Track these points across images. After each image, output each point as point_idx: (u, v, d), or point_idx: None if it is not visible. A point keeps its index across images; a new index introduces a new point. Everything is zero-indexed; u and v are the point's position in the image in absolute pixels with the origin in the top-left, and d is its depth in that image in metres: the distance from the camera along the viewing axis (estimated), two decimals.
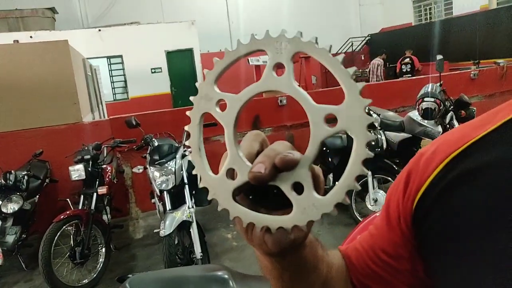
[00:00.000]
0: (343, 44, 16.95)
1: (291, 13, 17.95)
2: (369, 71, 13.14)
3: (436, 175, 0.51)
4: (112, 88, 12.51)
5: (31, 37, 11.19)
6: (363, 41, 17.28)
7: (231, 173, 0.42)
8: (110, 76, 12.42)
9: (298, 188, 0.40)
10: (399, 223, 0.55)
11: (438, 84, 4.09)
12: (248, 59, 10.08)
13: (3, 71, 4.52)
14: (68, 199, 3.97)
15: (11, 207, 3.43)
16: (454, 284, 0.47)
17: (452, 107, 3.96)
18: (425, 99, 3.76)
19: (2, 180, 3.46)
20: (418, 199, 0.52)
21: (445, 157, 0.51)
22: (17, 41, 11.21)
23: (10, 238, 3.63)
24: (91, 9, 15.65)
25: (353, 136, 0.38)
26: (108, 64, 12.37)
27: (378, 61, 12.58)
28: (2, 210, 3.40)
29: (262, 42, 0.41)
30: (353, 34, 17.64)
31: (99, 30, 12.00)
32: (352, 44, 17.10)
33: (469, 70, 7.15)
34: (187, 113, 0.44)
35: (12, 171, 3.55)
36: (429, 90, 3.82)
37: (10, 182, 3.47)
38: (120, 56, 12.32)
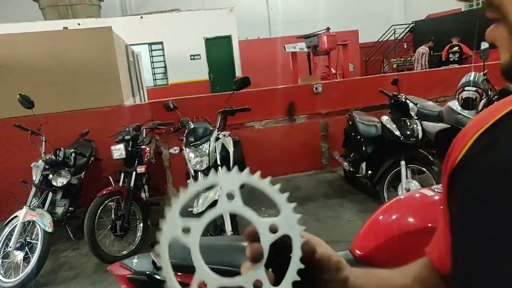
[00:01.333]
0: (385, 32, 16.51)
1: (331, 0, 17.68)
2: (414, 59, 12.75)
3: (470, 146, 0.54)
4: (152, 74, 12.87)
5: (79, 24, 11.66)
6: (406, 28, 16.72)
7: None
8: (151, 62, 12.77)
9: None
10: None
11: (482, 73, 3.97)
12: (284, 46, 10.07)
13: (52, 56, 4.82)
14: (110, 177, 4.21)
15: (60, 181, 3.70)
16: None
17: (496, 97, 3.84)
18: (466, 88, 3.68)
19: (53, 156, 3.74)
20: (453, 168, 0.57)
21: (481, 127, 0.54)
22: (67, 28, 11.76)
23: (59, 210, 3.92)
24: None
25: (292, 239, 0.49)
26: (149, 51, 12.71)
27: (423, 49, 12.17)
28: (52, 183, 3.68)
29: (217, 178, 0.49)
30: (396, 22, 17.12)
31: (141, 17, 12.34)
32: (395, 31, 16.60)
33: None
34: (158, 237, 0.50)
35: (62, 148, 3.83)
36: (471, 79, 3.73)
37: (60, 158, 3.74)
38: (161, 43, 12.63)
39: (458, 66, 8.54)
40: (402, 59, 14.88)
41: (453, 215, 0.56)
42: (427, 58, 11.78)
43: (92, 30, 5.03)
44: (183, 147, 3.44)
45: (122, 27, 9.72)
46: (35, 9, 13.33)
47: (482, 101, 3.60)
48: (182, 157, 3.95)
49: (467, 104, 3.60)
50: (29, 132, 3.73)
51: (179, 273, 1.20)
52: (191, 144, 3.35)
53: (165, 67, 12.92)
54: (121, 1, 16.02)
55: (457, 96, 3.73)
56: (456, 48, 10.89)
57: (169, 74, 12.93)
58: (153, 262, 1.36)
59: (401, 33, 16.76)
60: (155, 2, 15.74)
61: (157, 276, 1.33)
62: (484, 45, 3.77)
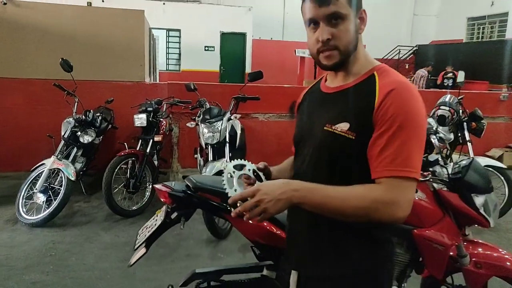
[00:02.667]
0: (391, 51, 17.15)
1: None
2: (413, 80, 13.42)
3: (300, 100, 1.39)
4: (166, 59, 13.41)
5: (103, 1, 12.19)
6: (410, 50, 17.39)
7: None
8: (166, 48, 13.32)
9: None
10: None
11: (459, 97, 4.56)
12: (295, 50, 10.68)
13: (85, 29, 5.37)
14: (125, 143, 4.77)
15: (86, 138, 4.26)
16: None
17: (466, 118, 4.44)
18: (441, 107, 4.28)
19: (83, 116, 4.29)
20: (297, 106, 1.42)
21: (305, 90, 1.43)
22: (90, 3, 12.29)
23: (78, 166, 4.47)
24: None
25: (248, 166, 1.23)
26: (167, 36, 13.25)
27: (423, 72, 12.85)
28: (80, 139, 4.23)
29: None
30: (402, 42, 17.78)
31: (163, 3, 12.87)
32: (400, 52, 17.26)
33: (499, 92, 7.44)
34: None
35: (91, 110, 4.38)
36: (446, 100, 4.33)
37: (89, 119, 4.30)
38: (179, 30, 13.18)
39: (440, 90, 9.13)
40: None
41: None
42: (425, 81, 12.43)
43: (127, 11, 5.57)
44: (199, 123, 4.01)
45: (145, 9, 10.25)
46: None
47: (454, 120, 4.21)
48: (194, 134, 4.54)
49: (441, 120, 4.19)
50: (66, 92, 4.28)
51: (208, 194, 1.78)
52: (206, 121, 3.92)
53: (179, 53, 13.47)
54: None
55: (434, 113, 4.33)
56: (450, 75, 11.61)
57: (182, 61, 13.48)
58: (187, 186, 1.92)
59: (405, 54, 17.41)
60: None
61: (189, 193, 1.89)
62: (461, 73, 4.36)
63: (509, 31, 14.74)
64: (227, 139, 3.91)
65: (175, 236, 3.77)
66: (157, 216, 2.01)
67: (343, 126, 1.12)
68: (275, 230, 1.89)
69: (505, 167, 4.62)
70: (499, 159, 6.69)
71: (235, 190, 1.15)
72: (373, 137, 1.08)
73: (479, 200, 2.07)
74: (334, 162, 1.15)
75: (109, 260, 3.29)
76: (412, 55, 17.53)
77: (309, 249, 1.25)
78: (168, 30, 13.10)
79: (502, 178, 4.47)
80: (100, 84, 5.30)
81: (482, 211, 2.08)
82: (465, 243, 2.26)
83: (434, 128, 3.95)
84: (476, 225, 2.16)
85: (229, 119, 3.98)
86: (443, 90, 9.65)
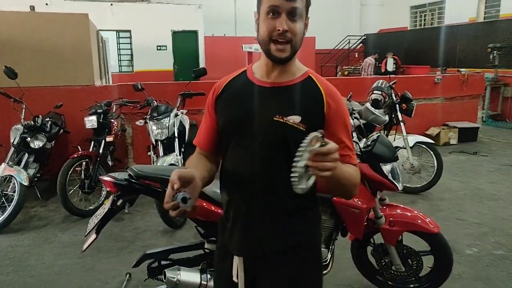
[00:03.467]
0: (341, 41, 17.77)
1: None
2: (361, 68, 14.06)
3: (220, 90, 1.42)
4: (118, 61, 13.31)
5: (46, 4, 11.93)
6: (359, 39, 18.09)
7: None
8: (118, 49, 13.22)
9: None
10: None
11: (392, 82, 4.98)
12: (242, 46, 10.95)
13: (30, 35, 5.37)
14: (78, 146, 4.86)
15: (37, 143, 4.34)
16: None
17: (398, 100, 4.86)
18: (374, 91, 4.67)
19: (32, 122, 4.37)
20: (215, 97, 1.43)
21: (223, 83, 1.43)
22: (33, 7, 12.03)
23: (30, 172, 4.50)
24: None
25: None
26: (117, 38, 13.16)
27: (370, 60, 13.49)
28: (30, 145, 4.31)
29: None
30: (352, 32, 18.44)
31: (111, 4, 12.76)
32: (349, 41, 17.91)
33: (433, 75, 8.04)
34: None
35: (40, 115, 4.46)
36: (379, 85, 4.73)
37: (38, 124, 4.37)
38: (129, 31, 13.12)
39: (381, 76, 9.70)
40: (352, 67, 16.18)
41: None
42: (373, 68, 13.07)
43: (71, 15, 5.63)
44: (147, 121, 4.19)
45: (91, 12, 10.17)
46: None
47: (386, 102, 4.62)
48: (145, 133, 4.71)
49: (375, 104, 4.59)
50: (12, 99, 4.34)
51: (148, 181, 2.01)
52: (154, 118, 4.12)
53: (131, 54, 13.41)
54: None
55: (368, 97, 4.72)
56: (393, 61, 12.29)
57: (135, 61, 13.44)
58: (129, 175, 2.14)
59: (354, 43, 18.09)
60: None
61: (132, 180, 2.11)
62: (390, 62, 4.76)
63: (447, 18, 15.65)
64: (176, 134, 4.12)
65: (132, 230, 3.96)
66: (105, 205, 2.21)
67: (295, 119, 1.28)
68: (213, 208, 2.14)
69: (433, 142, 5.10)
70: (437, 136, 7.28)
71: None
72: (330, 132, 1.26)
73: (386, 168, 2.42)
74: (285, 148, 1.28)
75: (68, 257, 3.44)
76: (361, 44, 18.24)
77: (262, 228, 1.36)
78: (118, 31, 13.03)
79: (432, 152, 4.94)
80: (48, 90, 5.33)
81: (390, 177, 2.43)
82: (383, 207, 2.62)
83: (350, 109, 4.31)
84: (386, 190, 2.51)
85: (176, 115, 4.19)
86: (385, 76, 10.25)
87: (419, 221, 2.57)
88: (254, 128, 1.33)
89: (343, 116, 1.33)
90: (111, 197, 2.22)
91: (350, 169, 1.28)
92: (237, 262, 1.40)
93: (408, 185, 4.81)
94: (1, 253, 3.51)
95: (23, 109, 4.42)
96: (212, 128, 1.45)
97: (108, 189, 2.16)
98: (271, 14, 1.24)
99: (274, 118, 1.29)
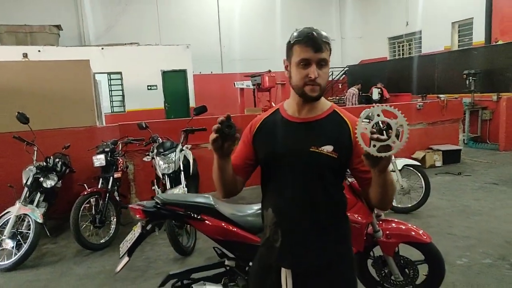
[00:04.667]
0: None
1: (279, 41, 19.51)
2: (346, 98, 14.64)
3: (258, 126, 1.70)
4: (110, 101, 13.66)
5: (39, 51, 12.35)
6: (341, 71, 18.88)
7: None
8: (109, 90, 13.60)
9: None
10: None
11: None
12: (234, 83, 11.46)
13: (35, 83, 5.70)
14: (85, 184, 5.09)
15: (49, 183, 4.58)
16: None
17: (385, 127, 5.23)
18: (363, 119, 5.04)
19: (44, 163, 4.61)
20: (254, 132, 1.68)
21: (259, 120, 1.71)
22: (26, 54, 12.44)
23: (40, 210, 4.72)
24: (92, 28, 16.91)
25: None
26: (108, 79, 13.56)
27: (353, 90, 14.10)
28: (43, 184, 4.54)
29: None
30: (334, 64, 19.23)
31: (102, 48, 13.24)
32: (332, 73, 18.66)
33: (415, 102, 8.54)
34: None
35: (51, 156, 4.71)
36: (366, 114, 5.12)
37: (50, 165, 4.62)
38: (120, 73, 13.55)
39: (366, 105, 10.20)
40: (337, 97, 16.82)
41: None
42: (357, 98, 13.64)
43: (74, 62, 5.98)
44: (154, 156, 4.48)
45: (83, 56, 10.57)
46: None
47: None
48: (152, 166, 4.98)
49: None
50: (25, 142, 4.60)
51: (173, 206, 2.30)
52: (161, 154, 4.41)
53: (123, 95, 13.79)
54: (79, 31, 16.77)
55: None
56: (378, 90, 12.92)
57: (127, 102, 13.80)
58: (156, 202, 2.41)
59: (337, 75, 18.86)
60: (114, 34, 16.68)
61: (159, 207, 2.38)
62: (375, 92, 5.18)
63: (423, 47, 16.54)
64: (181, 168, 4.41)
65: (144, 260, 4.16)
66: (134, 231, 2.48)
67: (328, 148, 1.52)
68: (230, 227, 2.42)
69: (420, 164, 5.47)
70: (423, 159, 7.67)
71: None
72: (357, 154, 1.53)
73: None
74: (321, 174, 1.53)
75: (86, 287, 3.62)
76: (344, 75, 19.01)
77: (307, 243, 1.58)
78: (110, 73, 13.45)
79: (419, 174, 5.29)
80: (54, 132, 5.59)
81: None
82: (380, 222, 2.92)
83: None
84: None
85: (181, 150, 4.49)
86: (372, 105, 10.77)
87: (413, 233, 2.87)
88: (293, 159, 1.56)
89: None
90: (139, 223, 2.49)
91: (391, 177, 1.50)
92: (285, 274, 1.60)
93: (399, 205, 5.12)
94: None
95: (35, 151, 4.67)
96: (246, 158, 1.69)
97: (137, 216, 2.42)
98: (302, 64, 1.51)
99: (310, 149, 1.53)
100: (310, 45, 1.48)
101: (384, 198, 1.52)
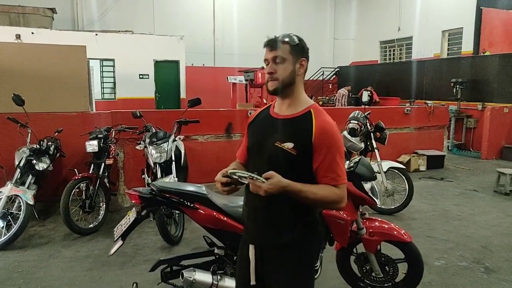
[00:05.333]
0: (315, 72, 18.66)
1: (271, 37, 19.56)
2: (336, 98, 14.81)
3: (252, 118, 1.97)
4: (101, 88, 13.58)
5: (32, 33, 12.19)
6: (332, 71, 19.06)
7: None
8: (101, 77, 13.51)
9: None
10: None
11: (366, 113, 5.52)
12: (227, 77, 11.52)
13: (29, 65, 5.72)
14: (75, 169, 5.12)
15: (42, 166, 4.61)
16: None
17: (372, 129, 5.39)
18: (351, 121, 5.20)
19: (37, 145, 4.64)
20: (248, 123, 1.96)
21: (255, 113, 2.08)
22: (19, 35, 12.30)
23: (31, 192, 4.75)
24: (86, 13, 16.77)
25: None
26: (101, 66, 13.46)
27: (343, 91, 14.26)
28: (35, 167, 4.57)
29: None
30: (326, 64, 19.42)
31: (96, 34, 13.13)
32: (323, 73, 18.83)
33: (403, 107, 8.73)
34: None
35: (44, 139, 4.74)
36: (355, 115, 5.27)
37: (43, 147, 4.65)
38: (112, 60, 13.46)
39: (357, 107, 10.37)
40: (327, 97, 16.99)
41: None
42: (346, 99, 13.82)
43: (70, 47, 6.00)
44: (147, 145, 4.55)
45: (76, 41, 10.50)
46: None
47: (362, 131, 5.14)
48: (143, 154, 5.05)
49: (352, 132, 5.10)
50: (19, 124, 4.62)
51: (168, 194, 2.39)
52: (154, 143, 4.48)
53: (114, 82, 13.71)
54: (73, 16, 16.61)
55: (346, 126, 5.23)
56: (368, 93, 13.08)
57: (118, 89, 13.74)
58: (151, 189, 2.50)
59: (328, 75, 19.04)
60: (107, 20, 16.58)
61: (155, 194, 2.47)
62: (365, 95, 5.34)
63: (414, 53, 16.82)
64: (173, 158, 4.49)
65: (132, 246, 4.24)
66: (129, 215, 2.56)
67: (289, 145, 1.69)
68: (221, 217, 2.52)
69: (405, 167, 5.64)
70: (408, 163, 7.87)
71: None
72: (317, 157, 1.69)
73: (367, 186, 2.88)
74: (281, 166, 1.68)
75: (75, 270, 3.69)
76: (334, 75, 19.20)
77: (264, 226, 1.81)
78: (102, 60, 13.35)
79: (403, 177, 5.46)
80: (48, 116, 5.59)
81: (370, 193, 2.88)
82: (364, 220, 3.05)
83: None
84: (366, 205, 2.96)
85: (174, 140, 4.57)
86: (360, 107, 10.94)
87: (395, 232, 3.02)
88: (262, 151, 1.79)
89: (330, 145, 1.68)
90: (133, 208, 2.57)
91: (321, 189, 1.68)
92: (251, 249, 1.86)
93: (382, 206, 5.29)
94: (9, 267, 3.73)
95: (29, 134, 4.69)
96: (246, 147, 1.96)
97: (133, 201, 2.51)
98: (266, 64, 1.79)
99: (275, 144, 1.73)
100: (268, 46, 1.76)
101: (321, 206, 1.85)
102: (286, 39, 1.74)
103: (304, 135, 1.70)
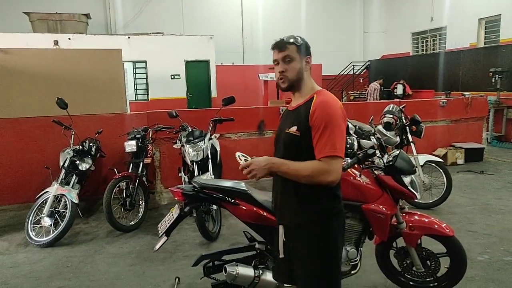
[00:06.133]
0: (345, 67, 18.44)
1: (303, 34, 19.49)
2: (367, 93, 14.60)
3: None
4: (135, 89, 13.93)
5: (69, 39, 12.68)
6: (363, 65, 18.76)
7: None
8: (134, 79, 13.87)
9: None
10: None
11: (401, 106, 5.43)
12: (258, 75, 11.56)
13: (69, 70, 5.93)
14: (115, 169, 5.30)
15: (84, 166, 4.81)
16: None
17: (408, 123, 5.30)
18: (386, 115, 5.13)
19: (80, 146, 4.84)
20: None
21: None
22: (57, 41, 12.78)
23: (75, 192, 4.96)
24: (119, 17, 17.23)
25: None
26: (133, 68, 13.82)
27: (375, 85, 14.04)
28: (79, 167, 4.77)
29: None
30: (356, 58, 19.16)
31: (128, 37, 13.49)
32: (354, 67, 18.58)
33: (439, 99, 8.51)
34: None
35: (87, 140, 4.93)
36: (390, 109, 5.19)
37: (85, 148, 4.85)
38: (145, 62, 13.79)
39: (391, 101, 10.17)
40: (358, 92, 16.75)
41: None
42: (378, 93, 13.60)
43: (107, 51, 6.20)
44: (184, 144, 4.65)
45: (110, 45, 10.81)
46: (25, 21, 14.04)
47: (397, 125, 5.06)
48: (179, 153, 5.16)
49: (387, 126, 5.03)
50: (64, 127, 4.83)
51: (210, 190, 2.46)
52: (191, 142, 4.58)
53: (147, 83, 14.04)
54: (106, 21, 17.10)
55: (380, 121, 5.16)
56: (400, 86, 12.84)
57: (150, 90, 14.06)
58: (193, 186, 2.57)
59: (359, 69, 18.76)
60: (139, 23, 16.97)
61: (197, 190, 2.54)
62: (400, 88, 5.23)
63: (448, 43, 16.31)
64: (209, 156, 4.57)
65: (172, 243, 4.36)
66: (171, 212, 2.65)
67: (294, 128, 1.91)
68: (262, 212, 2.57)
69: (442, 161, 5.52)
70: (444, 156, 7.68)
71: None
72: (315, 134, 1.86)
73: (406, 179, 2.85)
74: (293, 150, 1.92)
75: (119, 265, 3.84)
76: (365, 69, 18.91)
77: (285, 207, 2.04)
78: (135, 62, 13.70)
79: (441, 170, 5.35)
80: (88, 118, 5.82)
81: (410, 187, 2.85)
82: (404, 214, 3.03)
83: (372, 131, 4.73)
84: (406, 199, 2.93)
85: (210, 138, 4.66)
86: (395, 100, 10.74)
87: (436, 226, 2.97)
88: (278, 139, 2.06)
89: (324, 118, 1.83)
90: (176, 205, 2.65)
91: (305, 164, 1.85)
92: (281, 228, 2.10)
93: (420, 201, 5.19)
94: (59, 262, 3.93)
95: (72, 135, 4.90)
96: None
97: (176, 198, 2.59)
98: (275, 64, 2.00)
99: (286, 131, 1.96)
100: (276, 48, 1.96)
101: (304, 181, 1.90)
102: (292, 40, 1.96)
103: (304, 117, 1.89)
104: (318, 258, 1.94)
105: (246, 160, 1.89)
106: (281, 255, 2.09)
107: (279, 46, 1.95)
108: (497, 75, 10.22)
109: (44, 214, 4.45)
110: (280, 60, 1.95)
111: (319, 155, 1.84)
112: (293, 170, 1.85)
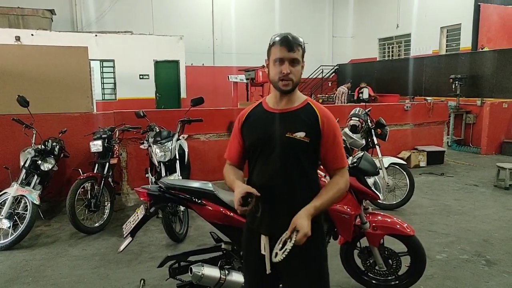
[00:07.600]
0: (314, 71, 18.71)
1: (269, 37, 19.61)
2: (335, 96, 14.88)
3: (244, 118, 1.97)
4: (102, 89, 13.62)
5: (32, 35, 12.25)
6: (332, 69, 19.12)
7: None
8: (101, 78, 13.56)
9: None
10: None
11: (367, 110, 5.57)
12: (228, 76, 11.57)
13: (32, 67, 5.75)
14: (79, 169, 5.17)
15: (47, 166, 4.66)
16: None
17: (373, 126, 5.44)
18: (352, 118, 5.25)
19: (42, 146, 4.69)
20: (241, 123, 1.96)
21: (245, 113, 1.97)
22: (19, 37, 12.33)
23: (36, 193, 4.79)
24: (86, 14, 16.79)
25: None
26: (101, 67, 13.52)
27: (343, 89, 14.34)
28: (40, 167, 4.62)
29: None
30: (325, 62, 19.47)
31: (96, 35, 13.18)
32: (323, 71, 18.89)
33: (403, 103, 8.79)
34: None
35: (49, 140, 4.79)
36: (356, 112, 5.32)
37: (48, 148, 4.70)
38: (112, 61, 13.52)
39: (357, 104, 10.43)
40: (326, 95, 17.05)
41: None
42: (346, 96, 13.88)
43: (72, 49, 6.04)
44: (151, 144, 4.60)
45: (77, 42, 10.52)
46: None
47: (363, 128, 5.20)
48: (147, 154, 5.10)
49: (353, 129, 5.16)
50: (24, 125, 4.67)
51: (176, 191, 2.45)
52: (158, 142, 4.53)
53: (114, 83, 13.76)
54: (72, 17, 16.63)
55: (347, 123, 5.29)
56: (364, 89, 13.18)
57: (118, 89, 13.79)
58: (159, 187, 2.55)
59: (327, 73, 19.09)
60: (106, 21, 16.60)
61: (163, 191, 2.52)
62: (366, 91, 5.38)
63: (412, 50, 16.88)
64: (177, 157, 4.54)
65: (138, 245, 4.29)
66: (137, 213, 2.61)
67: (301, 134, 1.80)
68: (228, 213, 2.57)
69: (405, 163, 5.70)
70: (408, 159, 7.93)
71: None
72: (324, 143, 1.84)
73: (370, 180, 2.93)
74: (296, 156, 1.82)
75: (82, 268, 3.74)
76: (334, 73, 19.26)
77: (282, 214, 1.84)
78: (102, 61, 13.40)
79: (404, 172, 5.52)
80: (51, 117, 5.65)
81: (373, 188, 2.93)
82: (367, 215, 3.11)
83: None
84: (369, 200, 3.01)
85: (178, 139, 4.62)
86: (361, 104, 11.00)
87: (398, 226, 3.07)
88: (273, 144, 1.84)
89: (333, 129, 1.85)
90: (142, 206, 2.63)
91: (331, 189, 1.84)
92: (264, 240, 1.88)
93: (384, 202, 5.34)
94: (17, 266, 3.78)
95: (34, 134, 4.74)
96: (240, 147, 1.99)
97: (141, 199, 2.56)
98: (278, 62, 1.80)
99: (286, 135, 1.81)
100: (286, 46, 1.77)
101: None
102: (300, 43, 1.82)
103: (314, 124, 1.83)
104: (317, 259, 1.92)
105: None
106: (268, 271, 1.86)
107: (290, 45, 1.77)
108: (457, 82, 10.66)
109: (2, 215, 4.28)
110: (288, 60, 1.78)
111: (335, 165, 1.88)
112: (328, 201, 1.82)
